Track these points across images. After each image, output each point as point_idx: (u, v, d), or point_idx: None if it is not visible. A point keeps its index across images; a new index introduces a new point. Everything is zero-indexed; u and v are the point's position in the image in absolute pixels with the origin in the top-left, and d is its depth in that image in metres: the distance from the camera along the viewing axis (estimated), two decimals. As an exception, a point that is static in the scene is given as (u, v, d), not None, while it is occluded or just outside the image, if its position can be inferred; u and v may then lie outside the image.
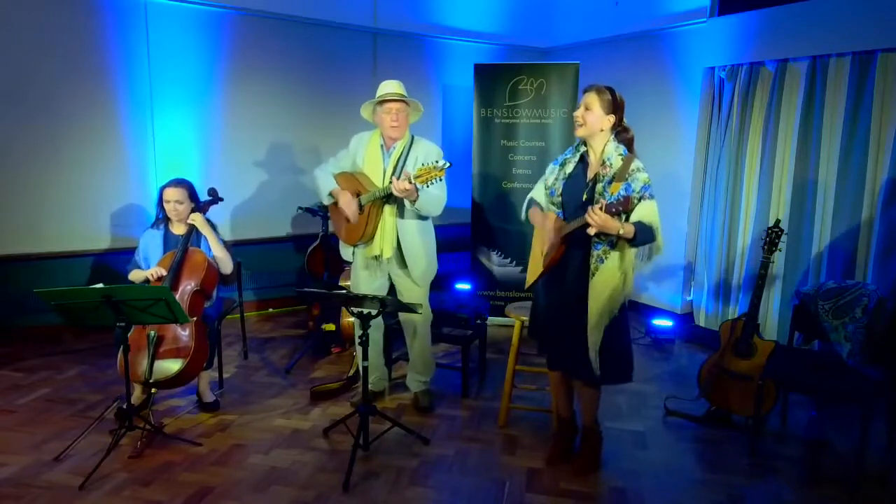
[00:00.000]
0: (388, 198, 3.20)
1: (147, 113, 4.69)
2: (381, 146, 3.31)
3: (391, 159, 3.27)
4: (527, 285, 2.87)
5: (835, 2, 3.85)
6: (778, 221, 3.35)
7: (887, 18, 3.59)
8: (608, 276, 2.58)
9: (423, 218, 3.31)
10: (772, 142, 4.22)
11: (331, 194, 3.33)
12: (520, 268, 5.11)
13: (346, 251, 3.50)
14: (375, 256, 3.31)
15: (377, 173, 3.27)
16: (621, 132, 2.67)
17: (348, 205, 3.24)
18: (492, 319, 4.73)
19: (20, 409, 3.39)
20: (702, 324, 4.78)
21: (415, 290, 3.39)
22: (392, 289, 3.49)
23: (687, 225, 4.83)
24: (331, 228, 4.76)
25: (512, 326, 3.34)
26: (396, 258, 3.33)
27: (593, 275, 2.59)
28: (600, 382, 2.78)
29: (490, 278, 5.17)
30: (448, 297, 4.30)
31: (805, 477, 2.90)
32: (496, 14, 5.97)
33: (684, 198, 4.87)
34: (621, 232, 2.46)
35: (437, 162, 2.96)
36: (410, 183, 2.96)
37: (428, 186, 2.99)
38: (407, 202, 3.12)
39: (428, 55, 5.78)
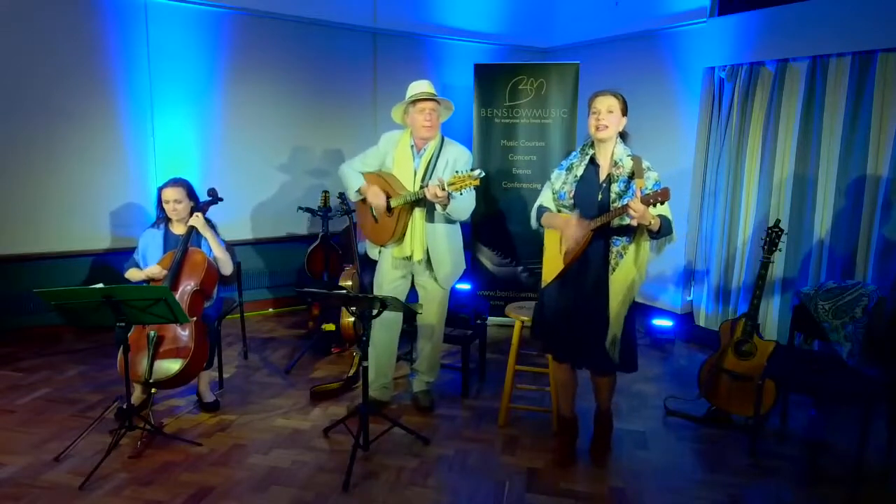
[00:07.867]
0: (419, 201, 3.19)
1: (147, 113, 4.69)
2: (412, 147, 3.29)
3: (422, 161, 3.25)
4: (543, 284, 2.90)
5: (835, 2, 3.85)
6: (778, 221, 3.35)
7: (887, 18, 3.58)
8: (627, 269, 2.70)
9: (450, 221, 3.31)
10: (772, 142, 4.22)
11: (359, 191, 3.31)
12: (520, 268, 5.11)
13: (372, 250, 3.49)
14: (406, 257, 3.30)
15: (407, 175, 3.25)
16: (622, 133, 2.77)
17: (376, 195, 3.21)
18: (492, 319, 4.73)
19: (20, 409, 3.39)
20: (702, 324, 4.78)
21: (437, 291, 3.39)
22: (412, 289, 3.48)
23: (687, 225, 4.82)
24: (331, 228, 4.82)
25: (512, 326, 3.34)
26: (423, 260, 3.32)
27: (613, 270, 2.70)
28: (615, 371, 2.87)
29: (490, 278, 5.17)
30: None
31: (805, 477, 2.90)
32: (496, 14, 5.97)
33: (684, 198, 4.86)
34: (651, 222, 2.54)
35: (472, 171, 2.96)
36: (444, 190, 2.96)
37: (461, 194, 3.01)
38: (438, 207, 3.10)
39: (428, 55, 5.78)
